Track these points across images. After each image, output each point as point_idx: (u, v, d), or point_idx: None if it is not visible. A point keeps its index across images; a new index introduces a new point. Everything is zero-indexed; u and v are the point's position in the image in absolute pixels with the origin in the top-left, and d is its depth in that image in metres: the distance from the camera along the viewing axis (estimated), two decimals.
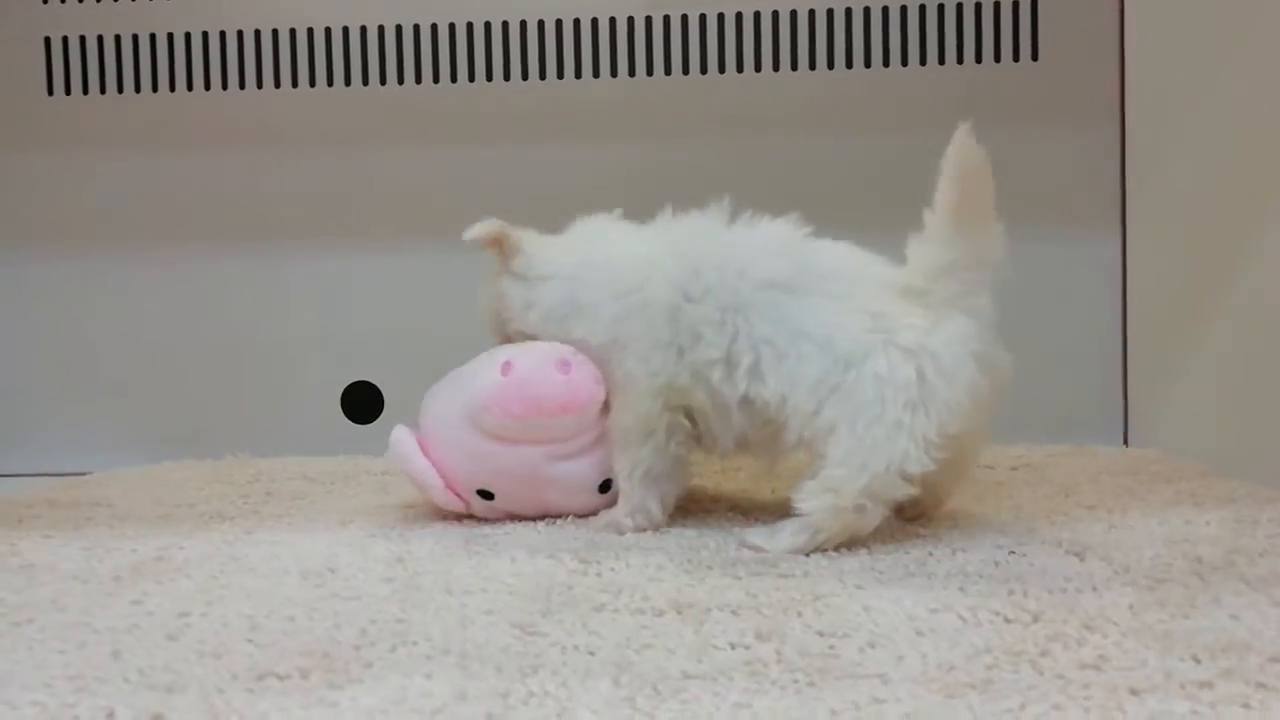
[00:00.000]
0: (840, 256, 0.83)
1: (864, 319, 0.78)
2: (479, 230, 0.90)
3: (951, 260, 0.78)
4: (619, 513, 0.85)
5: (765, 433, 0.83)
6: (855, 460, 0.76)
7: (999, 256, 0.78)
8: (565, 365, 0.85)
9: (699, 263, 0.83)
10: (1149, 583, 0.68)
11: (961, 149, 0.76)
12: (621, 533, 0.84)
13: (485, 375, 0.86)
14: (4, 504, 1.01)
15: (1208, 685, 0.51)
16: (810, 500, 0.77)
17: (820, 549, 0.78)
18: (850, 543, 0.78)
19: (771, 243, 0.84)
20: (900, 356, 0.76)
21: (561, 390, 0.84)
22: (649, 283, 0.84)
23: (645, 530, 0.85)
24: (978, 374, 0.77)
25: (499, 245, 0.91)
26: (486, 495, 0.87)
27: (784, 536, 0.78)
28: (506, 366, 0.84)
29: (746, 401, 0.81)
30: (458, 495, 0.87)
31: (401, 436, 0.88)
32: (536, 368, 0.84)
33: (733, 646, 0.58)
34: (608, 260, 0.88)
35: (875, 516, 0.78)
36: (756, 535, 0.80)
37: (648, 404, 0.84)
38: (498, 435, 0.85)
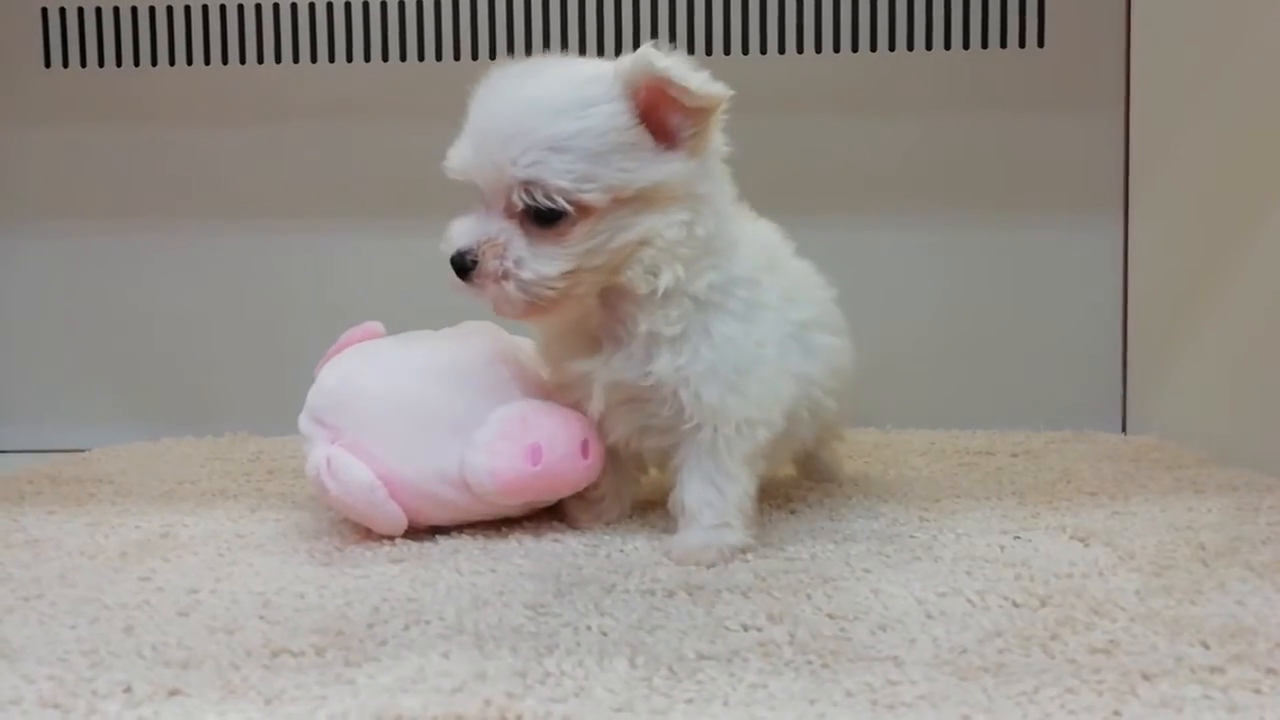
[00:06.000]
0: None
1: None
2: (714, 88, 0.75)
3: None
4: (731, 540, 0.74)
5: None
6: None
7: None
8: (586, 447, 0.77)
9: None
10: (1154, 569, 0.69)
11: None
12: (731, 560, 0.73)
13: (503, 452, 0.74)
14: (4, 480, 1.01)
15: (1219, 670, 0.52)
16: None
17: None
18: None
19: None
20: None
21: (581, 476, 0.78)
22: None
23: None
24: None
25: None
26: None
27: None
28: (535, 453, 0.75)
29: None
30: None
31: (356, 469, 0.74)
32: (566, 456, 0.76)
33: (745, 628, 0.59)
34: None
35: None
36: None
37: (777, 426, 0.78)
38: (490, 503, 0.77)
